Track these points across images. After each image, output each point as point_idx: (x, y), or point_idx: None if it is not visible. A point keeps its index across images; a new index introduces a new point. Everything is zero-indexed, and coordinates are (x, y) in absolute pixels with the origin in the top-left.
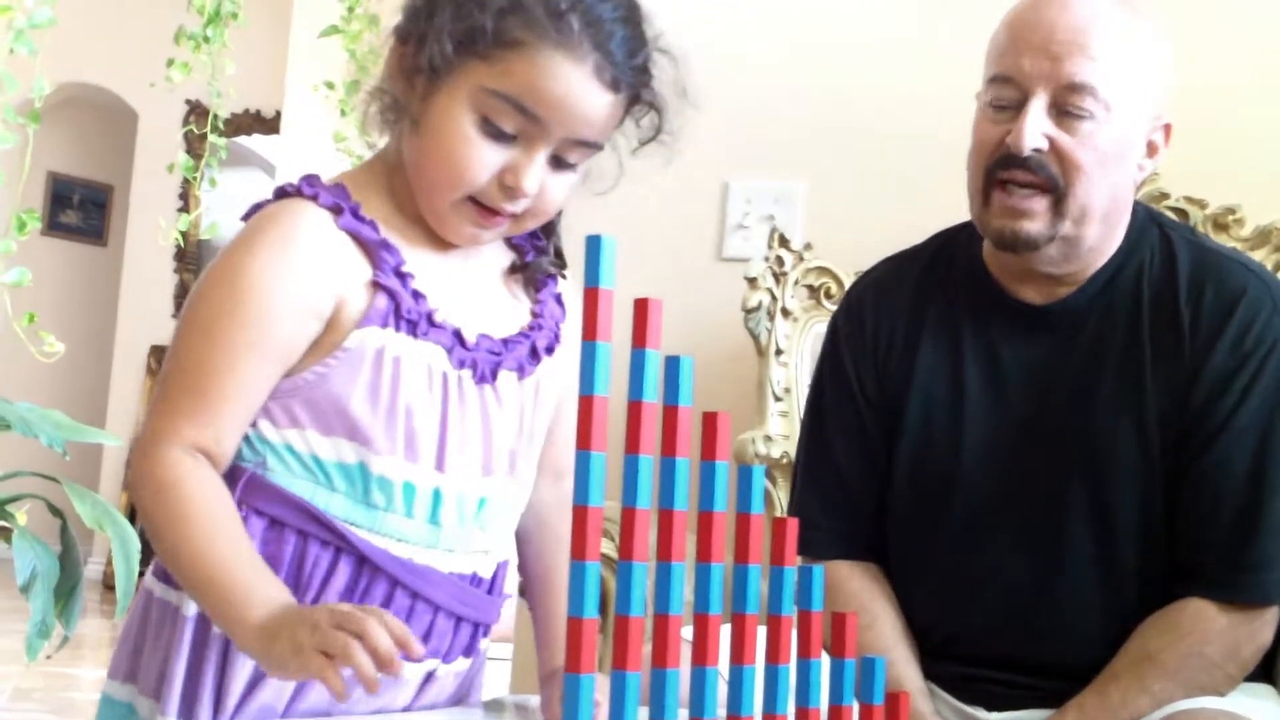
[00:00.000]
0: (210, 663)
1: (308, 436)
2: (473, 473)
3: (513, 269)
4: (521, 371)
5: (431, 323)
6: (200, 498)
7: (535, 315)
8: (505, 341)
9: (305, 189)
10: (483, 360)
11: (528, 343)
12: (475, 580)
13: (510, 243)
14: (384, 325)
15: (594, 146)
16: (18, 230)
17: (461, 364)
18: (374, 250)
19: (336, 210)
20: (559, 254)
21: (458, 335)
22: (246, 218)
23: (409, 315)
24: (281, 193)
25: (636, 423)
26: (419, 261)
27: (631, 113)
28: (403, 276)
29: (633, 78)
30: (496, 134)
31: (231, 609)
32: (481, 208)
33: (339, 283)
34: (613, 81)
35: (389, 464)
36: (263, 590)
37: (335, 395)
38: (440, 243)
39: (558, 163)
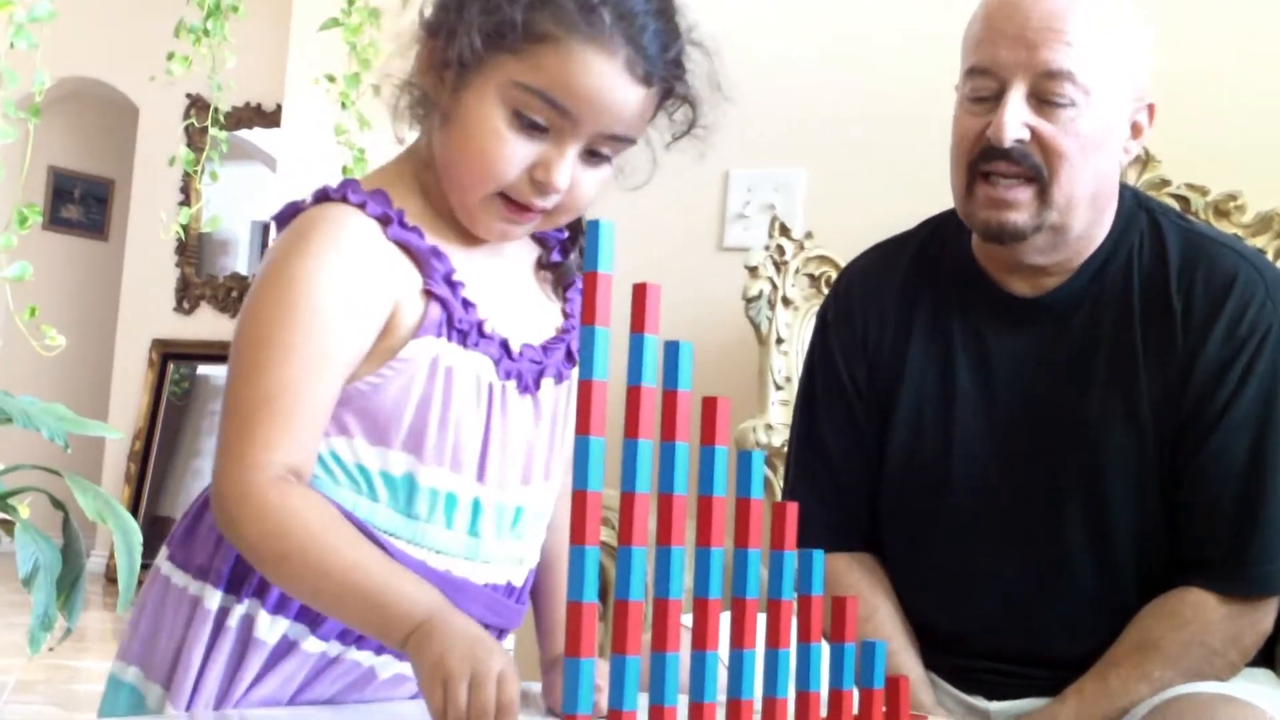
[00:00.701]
0: (223, 655)
1: (355, 446)
2: (512, 483)
3: (540, 265)
4: (559, 377)
5: (481, 333)
6: (318, 520)
7: (566, 315)
8: (545, 348)
9: (351, 196)
10: (527, 371)
11: (563, 346)
12: (509, 589)
13: (535, 236)
14: (438, 335)
15: (626, 140)
16: (19, 225)
17: (508, 375)
18: (424, 258)
19: (384, 220)
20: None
21: (505, 346)
22: (280, 218)
23: (460, 325)
24: (322, 196)
25: (635, 408)
26: (461, 267)
27: (664, 106)
28: (453, 285)
29: (665, 71)
30: (527, 128)
31: (385, 614)
32: (511, 203)
33: (394, 290)
34: (645, 76)
35: (436, 475)
36: (413, 593)
37: (390, 405)
38: (471, 239)
39: (590, 156)
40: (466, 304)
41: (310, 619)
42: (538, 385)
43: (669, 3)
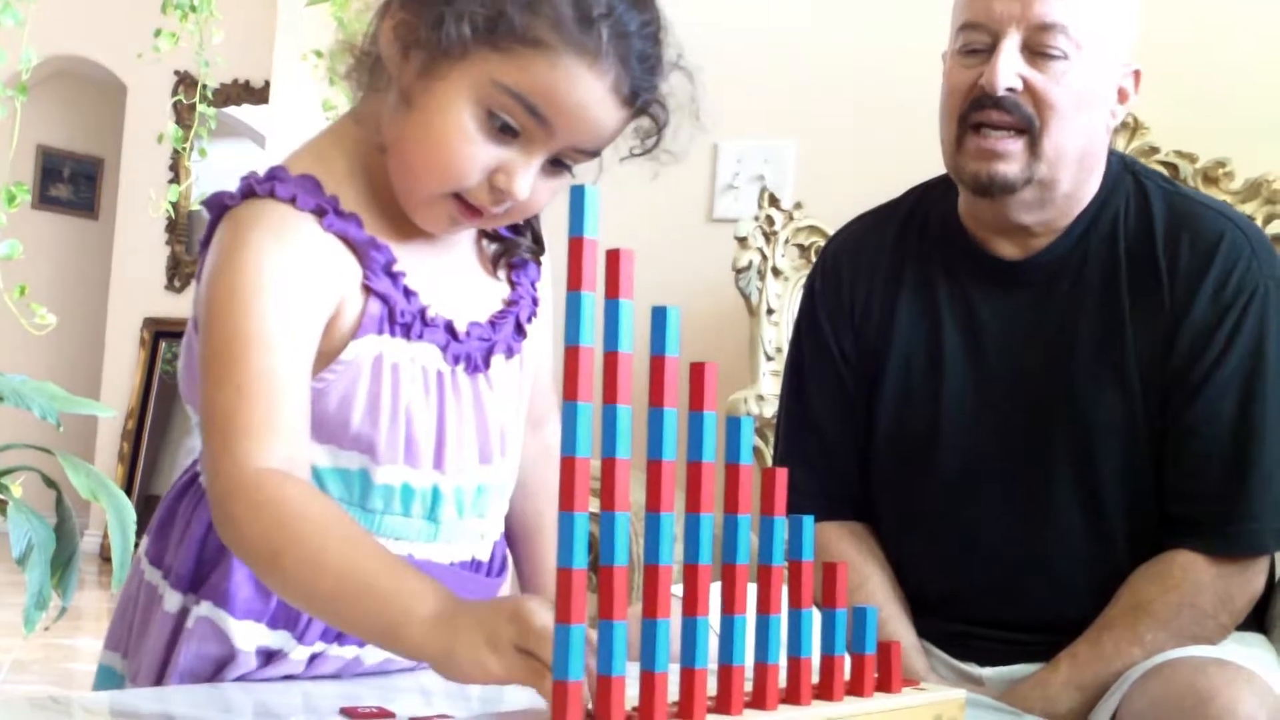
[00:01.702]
0: (180, 656)
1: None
2: (470, 465)
3: (483, 237)
4: (510, 351)
5: (424, 321)
6: (315, 514)
7: (514, 285)
8: (492, 323)
9: (279, 190)
10: (475, 350)
11: (512, 318)
12: (475, 565)
13: None
14: (380, 332)
15: (593, 155)
16: (8, 204)
17: (456, 359)
18: (363, 250)
19: (319, 212)
20: (537, 238)
21: (450, 329)
22: (211, 208)
23: (403, 318)
24: (248, 190)
25: (613, 373)
26: (400, 252)
27: (634, 123)
28: (394, 276)
29: (649, 95)
30: (498, 131)
31: (393, 611)
32: (463, 204)
33: (338, 284)
34: (629, 97)
35: (390, 471)
36: (420, 585)
37: (334, 408)
38: (413, 227)
39: (551, 165)
40: (408, 293)
41: (291, 625)
42: (488, 363)
43: (661, 25)
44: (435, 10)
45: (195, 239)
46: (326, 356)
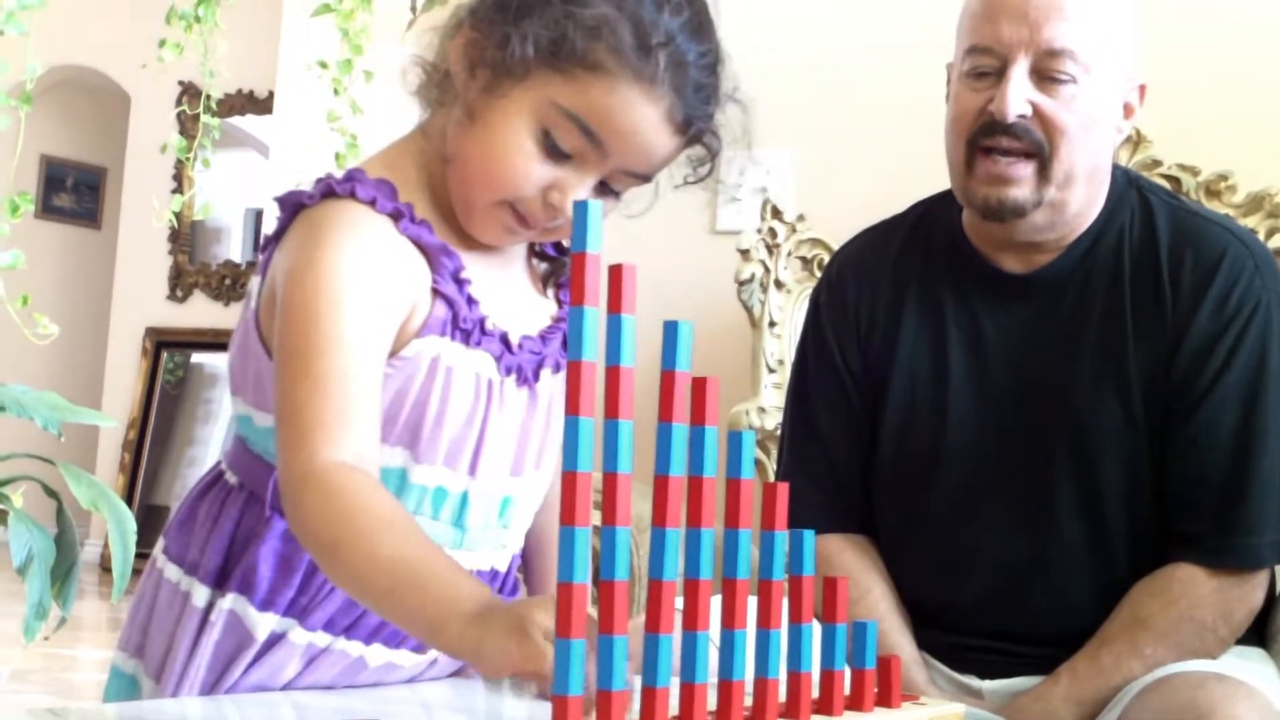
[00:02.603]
0: (207, 651)
1: None
2: (502, 474)
3: (532, 253)
4: (557, 366)
5: (483, 330)
6: (376, 509)
7: (560, 303)
8: (543, 338)
9: (359, 191)
10: (526, 364)
11: (559, 335)
12: (493, 575)
13: None
14: (442, 334)
15: (644, 179)
16: (11, 213)
17: (508, 370)
18: (434, 255)
19: (395, 215)
20: None
21: (505, 340)
22: (285, 206)
23: (464, 324)
24: (328, 190)
25: (615, 388)
26: (464, 259)
27: (686, 152)
28: (460, 283)
29: (703, 125)
30: (553, 150)
31: (438, 608)
32: (516, 214)
33: (411, 287)
34: (682, 124)
35: (428, 472)
36: (469, 583)
37: (388, 403)
38: (473, 240)
39: (602, 188)
40: (471, 301)
41: (300, 615)
42: (536, 377)
43: (719, 57)
44: (502, 30)
45: (198, 249)
46: (389, 354)
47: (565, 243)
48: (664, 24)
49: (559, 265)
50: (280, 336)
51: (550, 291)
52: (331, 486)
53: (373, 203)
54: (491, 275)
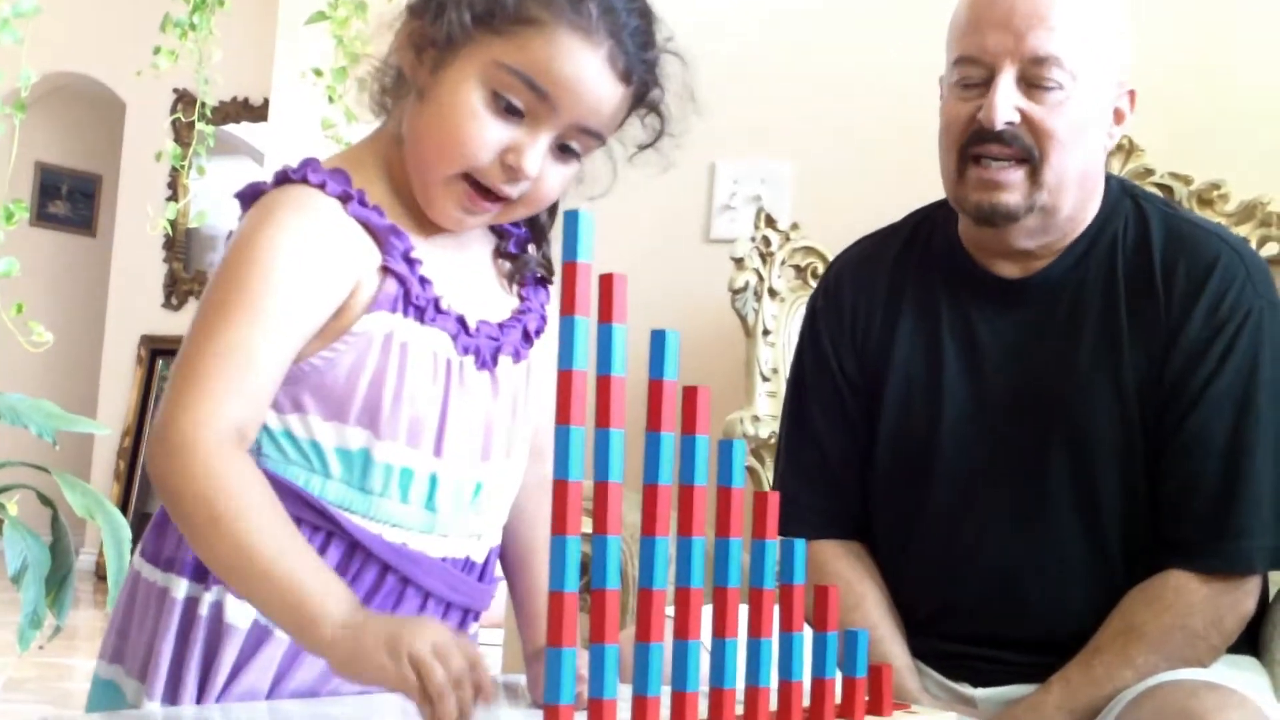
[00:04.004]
0: (197, 645)
1: (309, 422)
2: (471, 458)
3: (498, 253)
4: (516, 355)
5: (438, 309)
6: (257, 493)
7: (523, 299)
8: (501, 326)
9: (311, 176)
10: (484, 346)
11: (519, 327)
12: (468, 565)
13: (495, 228)
14: (393, 310)
15: (598, 137)
16: (5, 221)
17: (465, 350)
18: (383, 236)
19: (344, 198)
20: (548, 263)
21: (461, 322)
22: (244, 199)
23: (417, 301)
24: (283, 177)
25: (606, 397)
26: (420, 247)
27: (635, 112)
28: (411, 262)
29: (643, 73)
30: (504, 111)
31: (311, 607)
32: (475, 188)
33: (354, 267)
34: (624, 72)
35: (391, 450)
36: (339, 589)
37: (343, 380)
38: (433, 228)
39: (560, 151)
40: (424, 281)
41: None
42: (495, 362)
43: (649, 10)
44: (437, 6)
45: (193, 257)
46: (337, 331)
47: (531, 246)
48: None
49: (522, 263)
50: (202, 300)
51: (514, 289)
52: (213, 464)
53: (322, 185)
54: (450, 260)
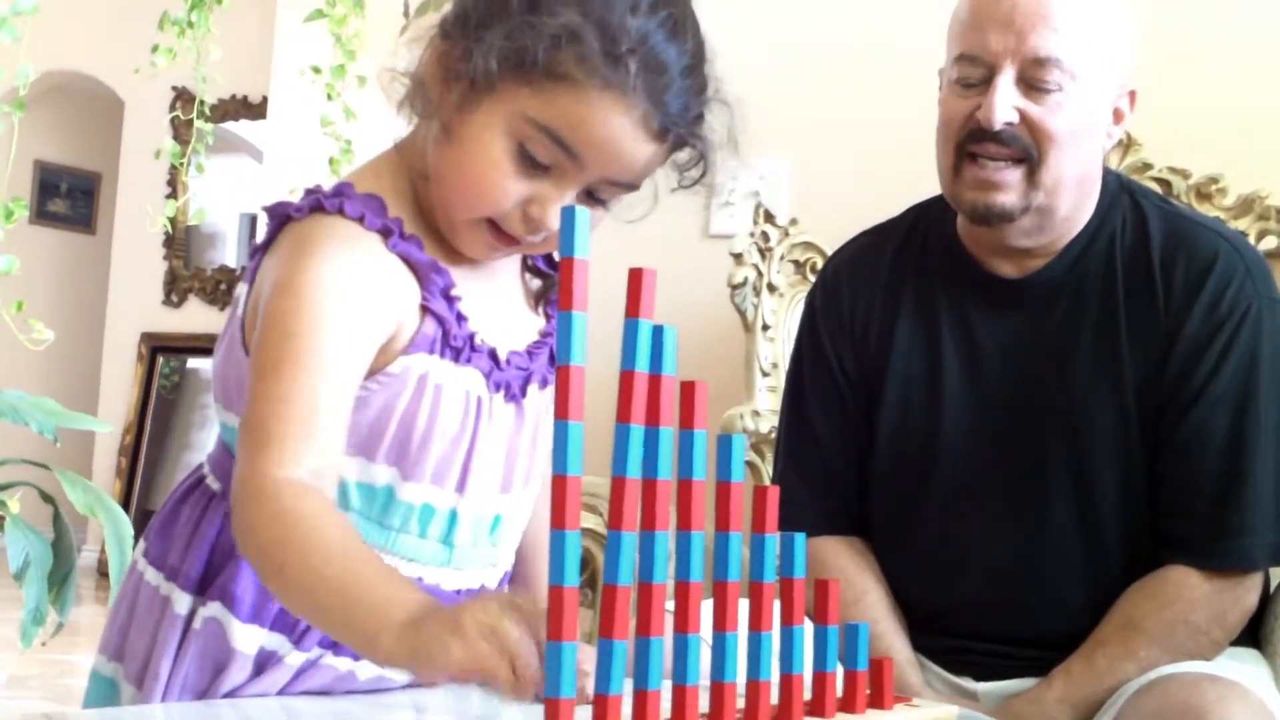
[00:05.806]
0: (196, 663)
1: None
2: (491, 492)
3: (525, 267)
4: (544, 382)
5: (473, 346)
6: (339, 527)
7: (549, 318)
8: (530, 353)
9: (348, 208)
10: (514, 380)
11: (547, 349)
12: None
13: None
14: (431, 352)
15: (629, 188)
16: (5, 219)
17: (497, 386)
18: (425, 272)
19: (385, 232)
20: None
21: (493, 356)
22: (272, 214)
23: (454, 342)
24: (316, 204)
25: (629, 393)
26: (454, 275)
27: (674, 157)
28: (450, 300)
29: (684, 129)
30: (530, 164)
31: (375, 620)
32: (498, 231)
33: (399, 308)
34: (660, 131)
35: (416, 490)
36: (405, 592)
37: (373, 418)
38: (458, 251)
39: (587, 197)
40: (460, 318)
41: (289, 629)
42: (524, 392)
43: (703, 57)
44: (465, 45)
45: (193, 254)
46: (373, 370)
47: (558, 256)
48: (635, 27)
49: (551, 282)
50: (256, 348)
51: (541, 308)
52: (281, 505)
53: (361, 219)
54: (479, 289)
